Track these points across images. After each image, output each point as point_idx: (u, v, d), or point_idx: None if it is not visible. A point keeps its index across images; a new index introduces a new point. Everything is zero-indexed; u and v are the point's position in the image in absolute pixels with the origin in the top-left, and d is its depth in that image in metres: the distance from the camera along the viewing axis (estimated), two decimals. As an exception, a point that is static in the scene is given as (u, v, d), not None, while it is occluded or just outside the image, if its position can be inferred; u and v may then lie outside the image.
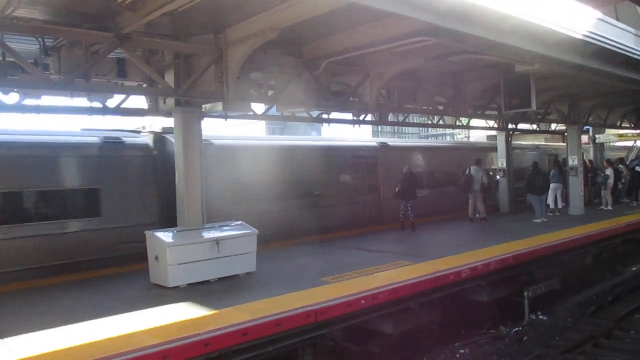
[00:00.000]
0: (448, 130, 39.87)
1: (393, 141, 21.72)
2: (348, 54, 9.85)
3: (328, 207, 14.36)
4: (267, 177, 12.81)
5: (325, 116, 13.57)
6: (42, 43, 8.43)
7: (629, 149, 27.55)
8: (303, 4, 7.10)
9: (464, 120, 18.63)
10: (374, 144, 17.49)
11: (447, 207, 17.35)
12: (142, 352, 5.43)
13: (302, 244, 12.21)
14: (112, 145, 11.04)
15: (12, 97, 8.69)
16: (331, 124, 14.40)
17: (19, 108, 8.79)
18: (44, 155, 10.06)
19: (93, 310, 7.00)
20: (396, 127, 40.04)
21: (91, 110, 9.60)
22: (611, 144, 26.16)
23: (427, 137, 45.38)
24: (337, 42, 9.62)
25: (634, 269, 14.93)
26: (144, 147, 11.56)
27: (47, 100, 9.20)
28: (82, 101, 9.43)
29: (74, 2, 7.25)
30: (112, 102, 9.81)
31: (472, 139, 32.91)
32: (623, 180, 19.74)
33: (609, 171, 18.68)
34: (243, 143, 13.95)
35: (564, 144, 19.39)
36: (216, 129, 14.85)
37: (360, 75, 11.44)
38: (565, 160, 18.82)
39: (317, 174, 14.33)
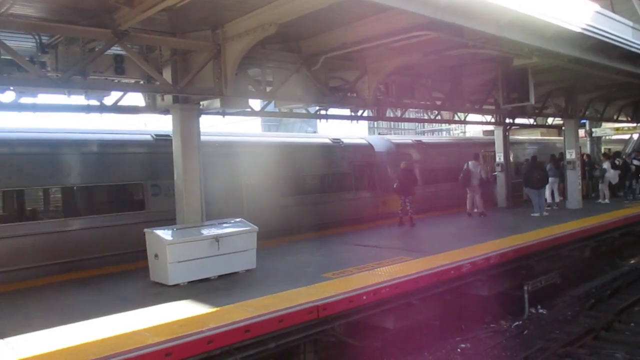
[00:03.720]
0: (444, 126, 39.84)
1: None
2: (346, 49, 9.81)
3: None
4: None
5: (323, 112, 13.53)
6: (38, 40, 8.35)
7: (626, 142, 27.52)
8: (302, -2, 7.06)
9: (462, 116, 18.63)
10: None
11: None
12: (146, 350, 5.40)
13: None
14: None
15: (8, 96, 8.65)
16: (329, 120, 14.34)
17: (15, 106, 8.75)
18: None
19: (95, 309, 6.98)
20: (392, 123, 40.07)
21: (88, 108, 9.55)
22: (607, 137, 26.09)
23: (423, 132, 45.33)
24: (335, 38, 9.58)
25: (632, 262, 14.97)
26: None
27: (43, 98, 9.16)
28: (79, 99, 9.38)
29: (70, -1, 7.18)
30: (109, 100, 9.77)
31: (468, 134, 33.00)
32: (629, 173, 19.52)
33: (606, 165, 18.69)
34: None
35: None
36: (214, 125, 14.85)
37: (358, 71, 11.39)
38: (561, 155, 18.86)
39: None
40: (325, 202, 14.71)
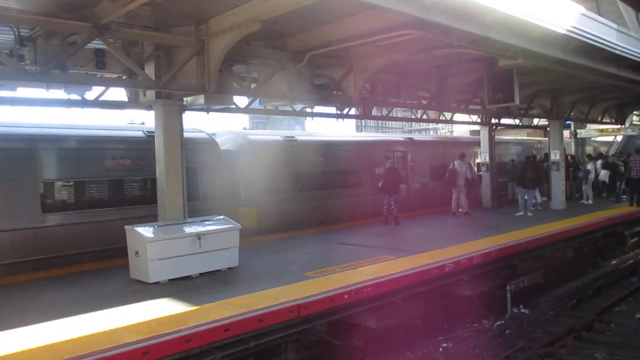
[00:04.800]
0: (431, 125, 40.01)
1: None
2: (332, 47, 9.75)
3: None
4: None
5: (308, 110, 13.47)
6: (17, 33, 8.19)
7: (610, 143, 27.82)
8: (287, -6, 7.00)
9: (448, 115, 18.67)
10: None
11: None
12: (123, 349, 5.31)
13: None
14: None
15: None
16: (315, 118, 14.29)
17: (-7, 100, 8.60)
18: None
19: (73, 306, 6.86)
20: (379, 122, 40.20)
21: (69, 103, 9.40)
22: (592, 138, 26.32)
23: (410, 131, 45.48)
24: (321, 35, 9.51)
25: (614, 262, 15.11)
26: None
27: (22, 92, 9.01)
28: (59, 93, 9.23)
29: (50, -9, 7.05)
30: (90, 95, 9.62)
31: (455, 134, 33.18)
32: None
33: (590, 166, 18.87)
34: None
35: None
36: (201, 122, 14.64)
37: (344, 69, 11.34)
38: (546, 155, 18.98)
39: None
40: (119, 219, 9.74)
